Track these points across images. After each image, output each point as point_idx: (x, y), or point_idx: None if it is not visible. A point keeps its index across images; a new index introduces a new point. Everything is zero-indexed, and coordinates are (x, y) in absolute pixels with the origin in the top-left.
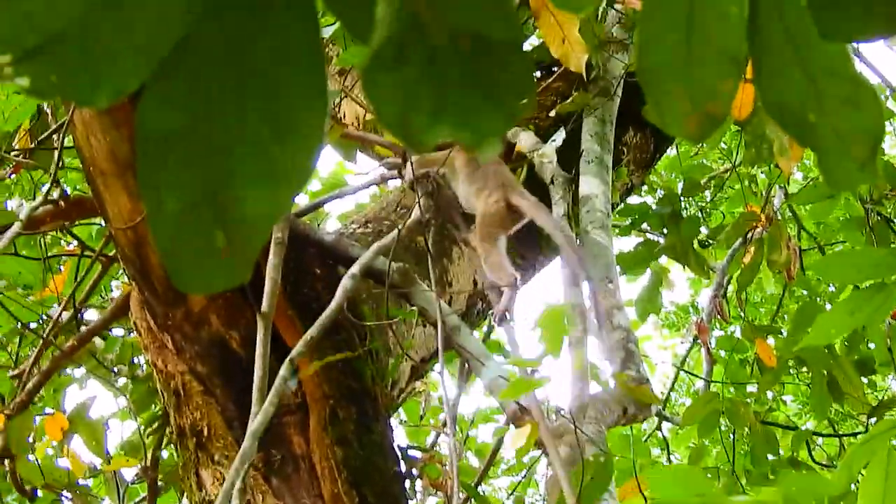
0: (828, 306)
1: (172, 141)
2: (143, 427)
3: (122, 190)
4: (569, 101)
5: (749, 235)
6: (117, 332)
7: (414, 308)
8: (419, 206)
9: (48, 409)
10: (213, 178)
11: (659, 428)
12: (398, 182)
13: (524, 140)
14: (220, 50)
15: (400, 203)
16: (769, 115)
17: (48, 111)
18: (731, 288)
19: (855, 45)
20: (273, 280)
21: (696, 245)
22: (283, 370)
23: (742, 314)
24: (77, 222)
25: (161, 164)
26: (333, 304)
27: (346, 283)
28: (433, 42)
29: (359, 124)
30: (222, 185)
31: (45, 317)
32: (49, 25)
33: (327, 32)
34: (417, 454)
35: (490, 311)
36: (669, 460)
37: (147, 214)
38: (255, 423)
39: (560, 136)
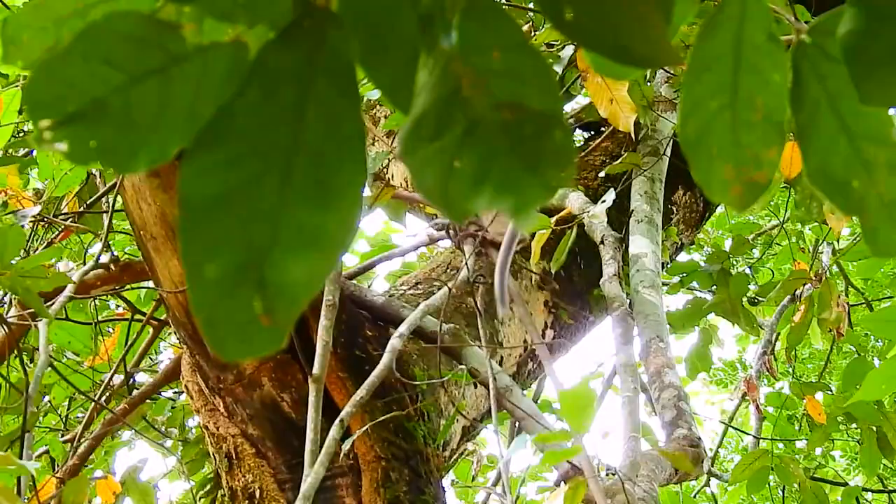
0: (876, 361)
1: (213, 207)
2: (195, 490)
3: (173, 253)
4: (618, 161)
5: (798, 293)
6: (166, 393)
7: (464, 368)
8: (466, 266)
9: (98, 472)
10: (255, 244)
11: (708, 485)
12: (448, 242)
13: (574, 200)
14: (260, 118)
15: (450, 264)
16: (812, 182)
17: (96, 174)
18: (779, 344)
19: None
20: (324, 342)
21: (744, 302)
22: (334, 430)
23: (791, 370)
24: (127, 286)
25: (202, 229)
26: (382, 364)
27: (394, 342)
28: (474, 112)
29: (407, 185)
30: (263, 252)
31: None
32: (90, 92)
33: (375, 94)
34: None
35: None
36: None
37: (187, 280)
38: (307, 483)
39: (610, 197)
